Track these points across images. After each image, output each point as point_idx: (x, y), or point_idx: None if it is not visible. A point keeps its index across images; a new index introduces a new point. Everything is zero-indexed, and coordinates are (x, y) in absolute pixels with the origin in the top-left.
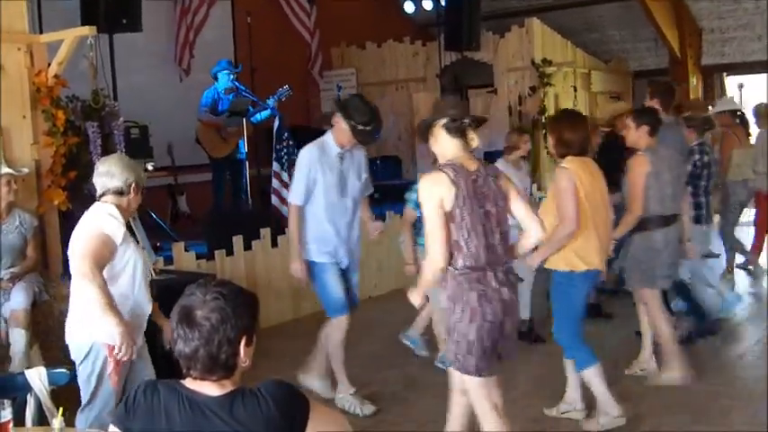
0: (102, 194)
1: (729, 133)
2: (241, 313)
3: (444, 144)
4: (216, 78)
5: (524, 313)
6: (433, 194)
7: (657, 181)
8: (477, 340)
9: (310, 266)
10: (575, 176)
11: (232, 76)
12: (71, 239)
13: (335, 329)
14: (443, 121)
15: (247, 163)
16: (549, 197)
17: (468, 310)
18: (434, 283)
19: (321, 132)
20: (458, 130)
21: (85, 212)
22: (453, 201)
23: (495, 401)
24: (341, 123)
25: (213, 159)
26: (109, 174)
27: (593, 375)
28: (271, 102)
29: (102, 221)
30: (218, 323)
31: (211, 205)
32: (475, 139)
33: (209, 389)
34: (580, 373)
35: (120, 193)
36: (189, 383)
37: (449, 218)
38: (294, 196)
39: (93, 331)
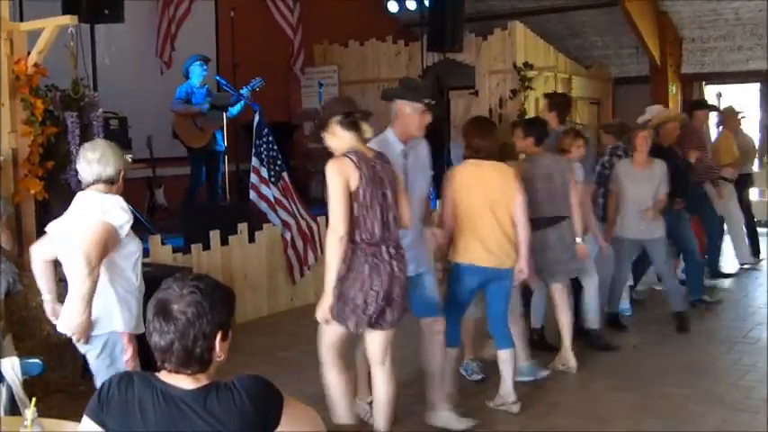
0: (93, 183)
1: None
2: (218, 308)
3: (341, 137)
4: (187, 76)
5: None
6: (341, 175)
7: (531, 186)
8: (362, 305)
9: None
10: (454, 180)
11: (205, 66)
12: (74, 230)
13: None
14: (337, 117)
15: (226, 157)
16: None
17: (358, 279)
18: (339, 258)
19: (301, 129)
20: (351, 124)
21: (88, 201)
22: (357, 182)
23: (341, 352)
24: (407, 108)
25: (191, 150)
26: (102, 162)
27: (453, 357)
28: (244, 91)
29: (113, 214)
30: (195, 317)
31: (185, 195)
32: (367, 131)
33: (184, 382)
34: (447, 349)
35: (111, 182)
36: (164, 376)
37: (353, 197)
38: None
39: (112, 321)
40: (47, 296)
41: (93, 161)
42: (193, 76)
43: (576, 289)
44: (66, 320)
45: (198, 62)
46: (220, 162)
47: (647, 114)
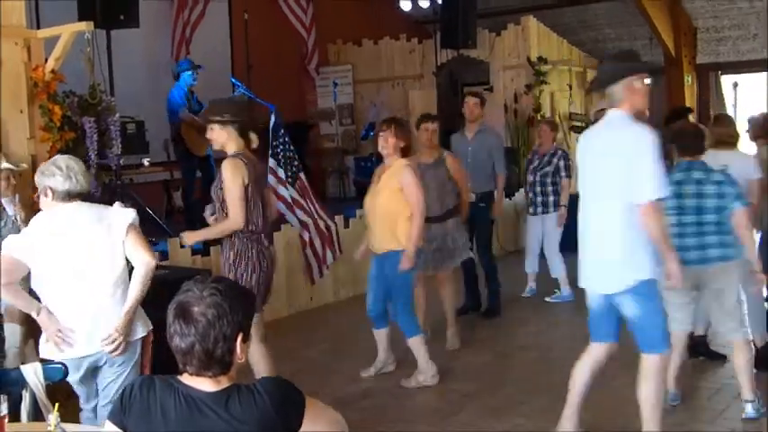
0: (76, 195)
1: None
2: (238, 310)
3: (233, 139)
4: (177, 78)
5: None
6: (239, 174)
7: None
8: (256, 286)
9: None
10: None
11: (195, 75)
12: (86, 243)
13: (657, 370)
14: (236, 123)
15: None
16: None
17: (251, 263)
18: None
19: (317, 129)
20: (243, 130)
21: (89, 213)
22: (247, 181)
23: (262, 334)
24: (636, 83)
25: (188, 157)
26: (87, 175)
27: (417, 344)
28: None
29: (136, 218)
30: (215, 319)
31: (185, 200)
32: (255, 141)
33: (205, 385)
34: (408, 339)
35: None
36: (185, 379)
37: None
38: (661, 188)
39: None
40: (40, 307)
41: (80, 173)
42: (182, 81)
43: None
44: (104, 332)
45: (189, 71)
46: (213, 165)
47: (600, 107)
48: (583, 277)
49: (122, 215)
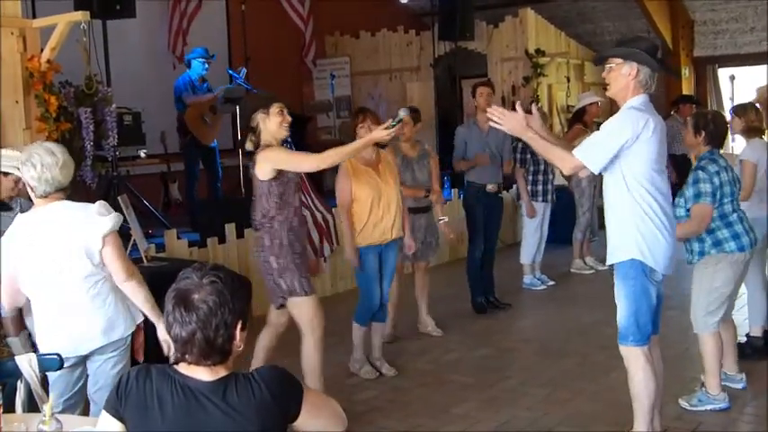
0: (56, 191)
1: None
2: (238, 297)
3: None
4: (189, 65)
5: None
6: None
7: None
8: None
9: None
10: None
11: (207, 65)
12: (89, 235)
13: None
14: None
15: (240, 151)
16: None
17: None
18: None
19: (314, 121)
20: None
21: (72, 214)
22: None
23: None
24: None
25: (193, 147)
26: (69, 165)
27: (371, 333)
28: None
29: (116, 220)
30: (216, 306)
31: (187, 192)
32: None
33: (203, 374)
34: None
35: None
36: (182, 369)
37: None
38: None
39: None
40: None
41: (59, 167)
42: (194, 68)
43: None
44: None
45: (200, 59)
46: (217, 156)
47: (582, 101)
48: (668, 264)
49: (98, 225)
